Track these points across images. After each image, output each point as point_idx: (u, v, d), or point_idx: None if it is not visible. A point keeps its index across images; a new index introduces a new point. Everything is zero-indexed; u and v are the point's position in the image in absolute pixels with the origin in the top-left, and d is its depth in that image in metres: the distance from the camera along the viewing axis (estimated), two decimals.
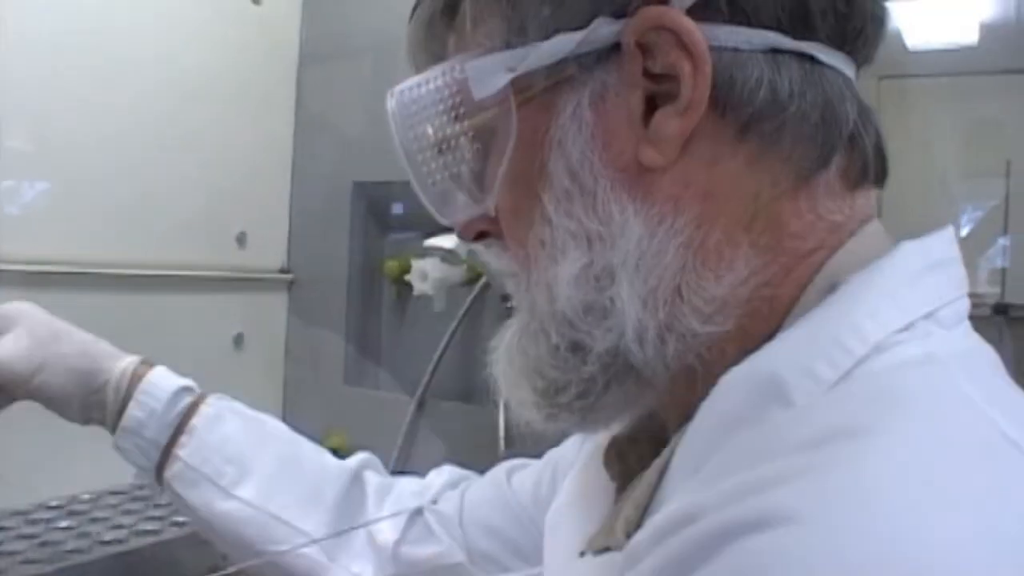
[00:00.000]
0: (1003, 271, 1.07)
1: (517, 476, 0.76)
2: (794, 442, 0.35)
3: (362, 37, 1.43)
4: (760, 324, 0.43)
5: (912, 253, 0.43)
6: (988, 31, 1.06)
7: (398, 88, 0.48)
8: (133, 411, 0.74)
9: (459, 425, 1.29)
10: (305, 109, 1.49)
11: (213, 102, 1.34)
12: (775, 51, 0.42)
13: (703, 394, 0.42)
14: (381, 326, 1.47)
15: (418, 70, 0.49)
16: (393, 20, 1.48)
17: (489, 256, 0.52)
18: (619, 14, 0.42)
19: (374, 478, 0.81)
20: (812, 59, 0.43)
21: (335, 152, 1.45)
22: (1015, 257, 1.06)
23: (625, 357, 0.44)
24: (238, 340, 1.40)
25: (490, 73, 0.44)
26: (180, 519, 0.97)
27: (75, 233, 1.16)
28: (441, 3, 0.49)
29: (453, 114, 0.47)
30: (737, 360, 0.41)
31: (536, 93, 0.44)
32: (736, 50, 0.41)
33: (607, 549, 0.45)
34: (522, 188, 0.46)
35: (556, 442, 0.76)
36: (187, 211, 1.30)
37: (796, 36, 0.42)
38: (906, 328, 0.39)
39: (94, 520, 0.97)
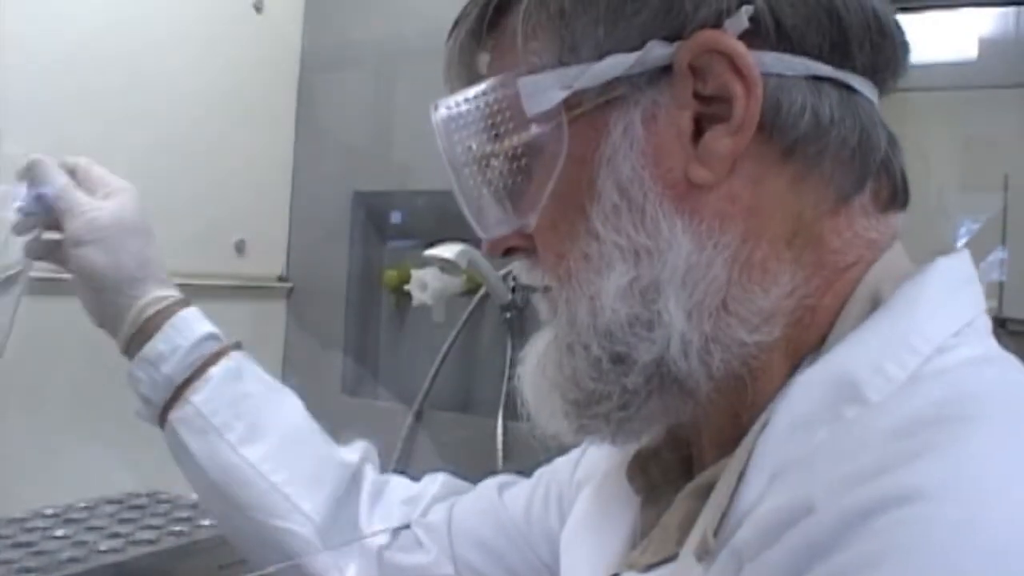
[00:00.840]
0: (1000, 285, 1.07)
1: (509, 492, 0.76)
2: (885, 432, 0.37)
3: (364, 47, 1.44)
4: (805, 333, 0.45)
5: (949, 268, 0.46)
6: (987, 46, 1.07)
7: (446, 100, 0.49)
8: (158, 343, 0.74)
9: (457, 436, 1.29)
10: (306, 118, 1.49)
11: (214, 110, 1.34)
12: (816, 78, 0.44)
13: (754, 400, 0.45)
14: (380, 336, 1.47)
15: (455, 87, 0.51)
16: (394, 31, 1.50)
17: (519, 270, 0.53)
18: (672, 37, 0.44)
19: (370, 474, 0.81)
20: (848, 87, 0.45)
21: (335, 161, 1.46)
22: (1012, 271, 1.06)
23: (669, 368, 0.45)
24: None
25: (543, 90, 0.46)
26: (178, 528, 0.97)
27: None
28: (487, 20, 0.50)
29: (502, 129, 0.48)
30: (785, 367, 0.45)
31: (586, 111, 0.46)
32: (781, 76, 0.44)
33: (656, 564, 0.46)
34: (566, 203, 0.47)
35: (553, 456, 0.76)
36: (186, 219, 1.30)
37: (834, 64, 0.45)
38: (957, 334, 0.43)
39: (91, 529, 0.96)
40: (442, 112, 0.49)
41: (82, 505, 1.04)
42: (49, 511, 1.01)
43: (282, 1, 1.45)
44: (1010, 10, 1.06)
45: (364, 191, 1.44)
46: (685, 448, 0.53)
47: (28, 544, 0.90)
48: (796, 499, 0.36)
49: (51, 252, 0.76)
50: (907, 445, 0.35)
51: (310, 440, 0.78)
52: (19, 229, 0.75)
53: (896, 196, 0.48)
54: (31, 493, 1.04)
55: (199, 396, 0.74)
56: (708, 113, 0.44)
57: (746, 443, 0.43)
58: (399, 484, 0.82)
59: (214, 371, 0.75)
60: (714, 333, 0.45)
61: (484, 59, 0.52)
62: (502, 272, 1.23)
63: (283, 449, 0.75)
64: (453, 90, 0.51)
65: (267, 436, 0.75)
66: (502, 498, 0.76)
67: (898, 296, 0.44)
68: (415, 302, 1.29)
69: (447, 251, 1.18)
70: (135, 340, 0.75)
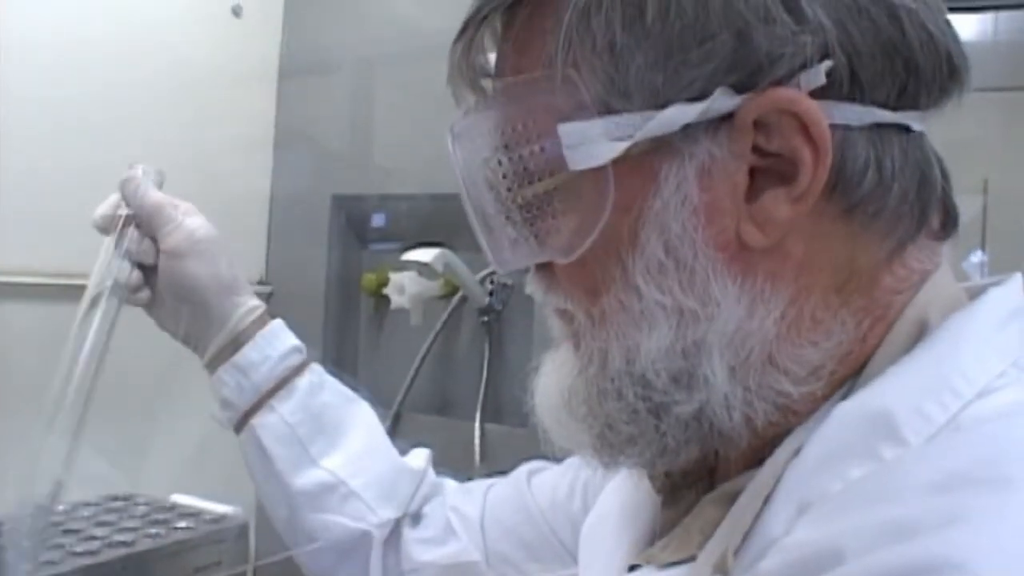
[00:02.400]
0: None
1: (537, 479, 0.77)
2: (922, 484, 0.35)
3: (342, 51, 1.44)
4: (848, 366, 0.43)
5: (998, 299, 0.44)
6: (965, 49, 1.08)
7: (465, 127, 0.46)
8: (250, 352, 0.76)
9: (435, 438, 1.28)
10: (285, 122, 1.50)
11: (192, 114, 1.34)
12: (878, 125, 0.41)
13: (786, 419, 0.43)
14: (359, 339, 1.48)
15: (461, 99, 0.47)
16: (373, 35, 1.51)
17: (531, 286, 0.50)
18: (741, 87, 0.40)
19: (430, 478, 0.83)
20: (907, 129, 0.42)
21: (314, 165, 1.46)
22: (992, 274, 1.07)
23: (710, 421, 0.43)
24: None
25: (589, 142, 0.41)
26: (154, 531, 0.97)
27: (51, 244, 1.16)
28: (512, 40, 0.45)
29: (534, 171, 0.44)
30: (824, 400, 0.43)
31: (632, 156, 0.41)
32: (847, 128, 0.41)
33: (675, 563, 0.45)
34: (601, 248, 0.43)
35: (531, 459, 0.77)
36: None
37: (898, 108, 0.42)
38: (1001, 375, 0.40)
39: (67, 532, 0.96)
40: (460, 141, 0.46)
41: (59, 508, 1.04)
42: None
43: (261, 5, 1.46)
44: (987, 15, 1.08)
45: (343, 195, 1.45)
46: (709, 452, 0.52)
47: (1, 548, 0.90)
48: (826, 541, 0.35)
49: (145, 268, 0.77)
50: (944, 504, 0.34)
51: (384, 449, 0.81)
52: (125, 248, 0.75)
53: (948, 225, 0.46)
54: (6, 496, 1.03)
55: (285, 406, 0.76)
56: (765, 167, 0.41)
57: (773, 465, 0.42)
58: (452, 486, 0.84)
59: (299, 383, 0.77)
60: (758, 388, 0.43)
61: (505, 64, 0.46)
62: (479, 276, 1.24)
63: (361, 457, 0.78)
64: (459, 99, 0.48)
65: (346, 445, 0.78)
66: (530, 486, 0.77)
67: (944, 330, 0.42)
68: (393, 305, 1.30)
69: (424, 255, 1.19)
70: (227, 347, 0.77)
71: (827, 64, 0.39)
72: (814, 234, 0.42)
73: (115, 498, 1.10)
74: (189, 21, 1.34)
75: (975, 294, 0.45)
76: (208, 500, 1.10)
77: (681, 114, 0.40)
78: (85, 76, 1.18)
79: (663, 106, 0.40)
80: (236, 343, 0.77)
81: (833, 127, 0.40)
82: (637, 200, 0.42)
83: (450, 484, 0.84)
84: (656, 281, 0.42)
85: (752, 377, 0.43)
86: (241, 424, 0.78)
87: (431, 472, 0.84)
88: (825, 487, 0.38)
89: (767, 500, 0.40)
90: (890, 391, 0.40)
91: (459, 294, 1.29)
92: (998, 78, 1.02)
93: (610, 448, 0.47)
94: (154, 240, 0.76)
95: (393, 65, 1.37)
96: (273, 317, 0.80)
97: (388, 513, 0.77)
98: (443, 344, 1.34)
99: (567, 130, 0.42)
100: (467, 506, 0.78)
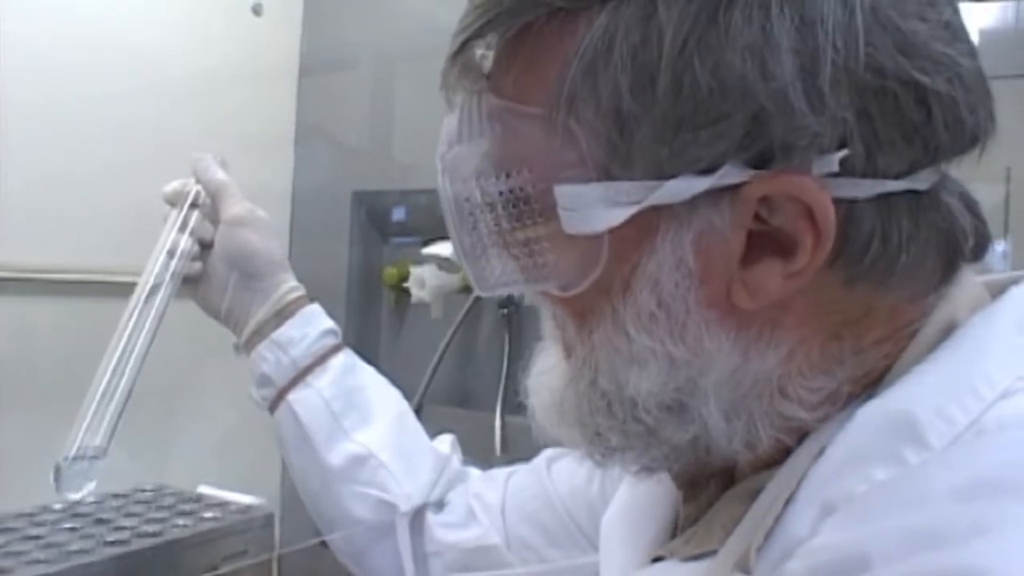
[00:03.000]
0: None
1: (556, 465, 0.78)
2: (946, 490, 0.35)
3: (361, 48, 1.46)
4: (871, 373, 0.42)
5: (1020, 299, 0.43)
6: (987, 37, 1.08)
7: (452, 153, 0.44)
8: (290, 329, 0.80)
9: (456, 430, 1.30)
10: (305, 120, 1.51)
11: (214, 112, 1.36)
12: (886, 195, 0.39)
13: (803, 423, 0.42)
14: (380, 332, 1.49)
15: (454, 105, 0.45)
16: (391, 32, 1.51)
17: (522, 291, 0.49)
18: (750, 162, 0.38)
19: (454, 464, 0.85)
20: (919, 192, 0.40)
21: (335, 162, 1.48)
22: (1017, 263, 1.07)
23: (707, 447, 0.43)
24: (238, 346, 1.42)
25: (585, 205, 0.40)
26: (181, 521, 0.99)
27: (75, 241, 1.18)
28: (517, 59, 0.42)
29: (526, 217, 0.42)
30: (846, 406, 0.42)
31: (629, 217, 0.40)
32: (852, 201, 0.39)
33: (697, 556, 0.45)
34: (592, 288, 0.42)
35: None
36: None
37: (908, 174, 0.39)
38: (1022, 376, 0.39)
39: (98, 522, 0.98)
40: (451, 161, 0.44)
41: (90, 499, 1.06)
42: (58, 505, 1.04)
43: (281, 3, 1.47)
44: (1009, 3, 1.07)
45: (363, 191, 1.46)
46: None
47: (38, 537, 0.92)
48: (852, 546, 0.35)
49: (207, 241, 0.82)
50: (969, 512, 0.34)
51: (412, 429, 0.84)
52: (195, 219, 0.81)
53: (978, 251, 0.44)
54: (39, 489, 1.06)
55: (321, 381, 0.79)
56: (765, 234, 0.40)
57: (795, 465, 0.41)
58: (475, 474, 0.86)
59: (334, 361, 0.81)
60: (764, 416, 0.42)
61: (505, 81, 0.44)
62: None
63: (391, 434, 0.81)
64: (451, 102, 0.46)
65: (377, 423, 0.81)
66: (550, 472, 0.78)
67: (966, 331, 0.42)
68: (414, 299, 1.31)
69: (445, 249, 1.20)
70: (267, 323, 0.80)
71: (842, 153, 0.38)
72: (816, 295, 0.41)
73: (144, 490, 1.12)
74: (210, 20, 1.36)
75: (995, 290, 0.45)
76: (233, 492, 1.12)
77: (686, 187, 0.39)
78: (109, 76, 1.20)
79: (667, 177, 0.39)
80: (278, 318, 0.81)
81: (838, 201, 0.38)
82: (632, 255, 0.41)
83: (474, 472, 0.86)
84: (647, 329, 0.42)
85: (756, 409, 0.42)
86: (277, 401, 0.81)
87: (456, 459, 0.85)
88: (849, 488, 0.38)
89: (789, 499, 0.40)
90: (913, 393, 0.40)
91: None
92: (1021, 66, 1.01)
93: (602, 452, 0.47)
94: (212, 223, 0.81)
95: (412, 61, 1.38)
96: (313, 299, 0.84)
97: (414, 488, 0.79)
98: (463, 337, 1.35)
99: (564, 192, 0.40)
100: (489, 492, 0.80)
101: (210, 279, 0.82)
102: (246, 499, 1.09)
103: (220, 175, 0.83)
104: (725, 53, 0.37)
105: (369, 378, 0.84)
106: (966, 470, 0.36)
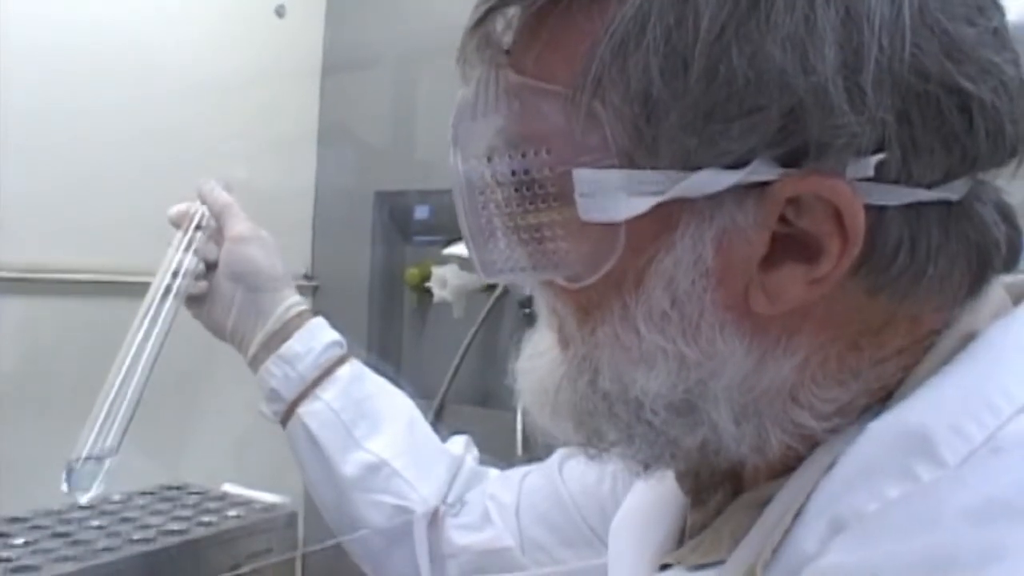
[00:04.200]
0: None
1: (568, 464, 0.78)
2: (959, 511, 0.34)
3: (383, 48, 1.46)
4: (887, 385, 0.40)
5: None
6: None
7: (467, 124, 0.42)
8: (295, 344, 0.81)
9: (477, 429, 1.30)
10: (328, 119, 1.52)
11: (238, 113, 1.37)
12: (917, 203, 0.37)
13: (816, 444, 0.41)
14: (402, 332, 1.50)
15: (470, 79, 0.43)
16: (414, 31, 1.51)
17: (519, 279, 0.48)
18: (781, 159, 0.36)
19: (470, 464, 0.85)
20: (951, 201, 0.38)
21: (357, 162, 1.49)
22: None
23: (715, 451, 0.42)
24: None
25: (604, 192, 0.38)
26: (206, 519, 1.00)
27: (101, 241, 1.19)
28: (540, 33, 0.40)
29: (540, 201, 0.40)
30: (858, 418, 0.40)
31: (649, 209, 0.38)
32: (882, 208, 0.37)
33: (704, 565, 0.44)
34: (602, 280, 0.40)
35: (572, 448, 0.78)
36: None
37: (941, 183, 0.38)
38: None
39: (124, 520, 1.00)
40: (463, 136, 0.42)
41: (116, 497, 1.08)
42: (84, 503, 1.05)
43: (303, 4, 1.48)
44: None
45: (386, 191, 1.46)
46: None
47: (65, 535, 0.94)
48: (861, 568, 0.34)
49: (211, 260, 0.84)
50: (982, 536, 0.32)
51: (423, 433, 0.84)
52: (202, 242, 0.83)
53: (1011, 261, 0.42)
54: (56, 488, 1.07)
55: (329, 394, 0.80)
56: (788, 236, 0.38)
57: (804, 478, 0.40)
58: (493, 475, 0.86)
59: (341, 372, 0.82)
60: (774, 422, 0.40)
61: (526, 57, 0.41)
62: None
63: (403, 441, 0.82)
64: (466, 76, 0.43)
65: (388, 430, 0.82)
66: (562, 472, 0.77)
67: (983, 341, 0.40)
68: (436, 299, 1.31)
69: (466, 248, 1.20)
70: (272, 340, 0.81)
71: (879, 157, 0.36)
72: (837, 302, 0.39)
73: (168, 488, 1.13)
74: (234, 23, 1.37)
75: (1016, 293, 0.43)
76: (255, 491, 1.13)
77: (713, 181, 0.37)
78: (134, 78, 1.21)
79: (693, 168, 0.37)
80: (282, 335, 0.81)
81: (868, 207, 0.36)
82: (648, 248, 0.39)
83: (492, 472, 0.86)
84: (659, 327, 0.40)
85: (767, 415, 0.40)
86: (287, 415, 0.82)
87: (471, 459, 0.85)
88: (860, 506, 0.36)
89: (798, 513, 0.38)
90: (926, 407, 0.38)
91: (500, 287, 1.30)
92: None
93: (597, 449, 0.45)
94: (217, 243, 0.83)
95: (434, 60, 1.38)
96: (317, 313, 0.84)
97: (429, 491, 0.79)
98: (485, 336, 1.35)
99: (583, 177, 0.38)
100: (504, 493, 0.80)
101: (215, 297, 0.83)
102: (270, 498, 1.10)
103: (224, 197, 0.85)
104: (764, 42, 0.35)
105: (377, 386, 0.84)
106: (981, 490, 0.34)
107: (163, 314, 0.80)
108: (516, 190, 0.41)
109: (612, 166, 0.38)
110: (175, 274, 0.81)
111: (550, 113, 0.39)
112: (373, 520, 0.80)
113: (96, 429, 0.76)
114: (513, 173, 0.40)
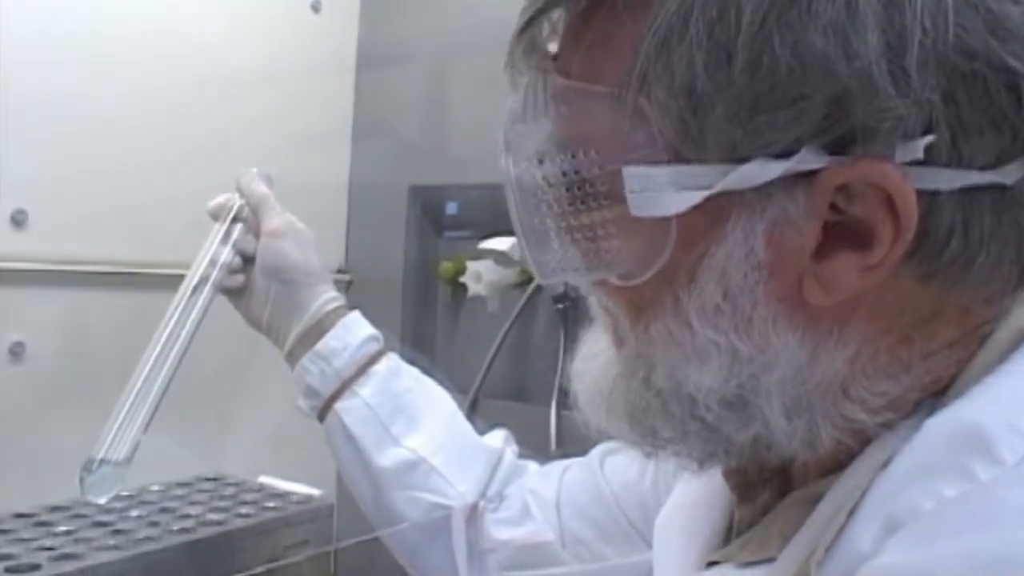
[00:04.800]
0: None
1: (610, 460, 0.78)
2: (1017, 509, 0.34)
3: (418, 43, 1.46)
4: (939, 380, 0.41)
5: None
6: None
7: (517, 129, 0.43)
8: (331, 340, 0.81)
9: (511, 423, 1.31)
10: (362, 114, 1.53)
11: (274, 108, 1.38)
12: (969, 188, 0.37)
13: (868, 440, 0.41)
14: (436, 326, 1.50)
15: (518, 86, 0.44)
16: (448, 26, 1.52)
17: (573, 278, 0.48)
18: (829, 147, 0.37)
19: (509, 458, 0.85)
20: (1006, 187, 0.38)
21: (392, 156, 1.49)
22: None
23: (767, 446, 0.42)
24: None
25: (654, 188, 0.38)
26: (244, 511, 1.01)
27: (143, 234, 1.21)
28: (585, 38, 0.41)
29: (591, 200, 0.41)
30: (912, 412, 0.40)
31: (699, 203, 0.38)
32: (934, 193, 0.37)
33: (753, 562, 0.44)
34: (656, 276, 0.41)
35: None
36: None
37: (993, 166, 0.37)
38: None
39: (163, 510, 1.01)
40: (514, 141, 0.43)
41: (155, 488, 1.09)
42: (125, 493, 1.07)
43: (338, 0, 1.49)
44: None
45: (420, 185, 1.47)
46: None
47: (106, 524, 0.95)
48: (918, 568, 0.34)
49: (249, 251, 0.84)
50: None
51: (461, 429, 0.85)
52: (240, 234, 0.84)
53: None
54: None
55: (366, 390, 0.80)
56: (840, 224, 0.38)
57: (857, 475, 0.40)
58: (532, 468, 0.86)
59: (378, 368, 0.82)
60: (826, 417, 0.40)
61: (572, 62, 0.42)
62: None
63: (441, 436, 0.82)
64: (515, 82, 0.44)
65: (425, 425, 0.82)
66: (603, 467, 0.78)
67: None
68: (470, 293, 1.32)
69: (501, 243, 1.20)
70: (308, 335, 0.82)
71: (927, 139, 0.36)
72: (889, 291, 0.39)
73: (205, 479, 1.15)
74: (270, 18, 1.38)
75: None
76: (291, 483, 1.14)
77: (761, 172, 0.37)
78: (171, 72, 1.22)
79: (740, 161, 0.37)
80: (318, 330, 0.81)
81: (920, 192, 0.36)
82: (699, 243, 0.40)
83: (531, 467, 0.85)
84: (712, 322, 0.40)
85: (818, 409, 0.40)
86: (324, 411, 0.82)
87: (511, 453, 0.85)
88: (916, 504, 0.36)
89: (852, 511, 0.38)
90: (984, 405, 0.38)
91: (535, 282, 1.30)
92: None
93: (652, 447, 0.46)
94: (255, 236, 0.83)
95: (469, 55, 1.38)
96: (352, 307, 0.85)
97: (467, 487, 0.80)
98: (519, 331, 1.35)
99: (633, 174, 0.39)
100: (544, 488, 0.80)
101: (252, 291, 0.84)
102: (307, 490, 1.11)
103: (262, 189, 0.85)
104: (807, 30, 0.35)
105: (415, 381, 0.84)
106: None
107: (195, 307, 0.80)
108: (567, 191, 0.41)
109: (660, 162, 0.38)
110: (212, 264, 0.81)
111: (597, 113, 0.40)
112: (410, 516, 0.80)
113: (114, 431, 0.76)
114: (564, 174, 0.41)
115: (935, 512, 0.35)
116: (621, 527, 0.74)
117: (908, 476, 0.38)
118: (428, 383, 0.86)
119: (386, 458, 0.80)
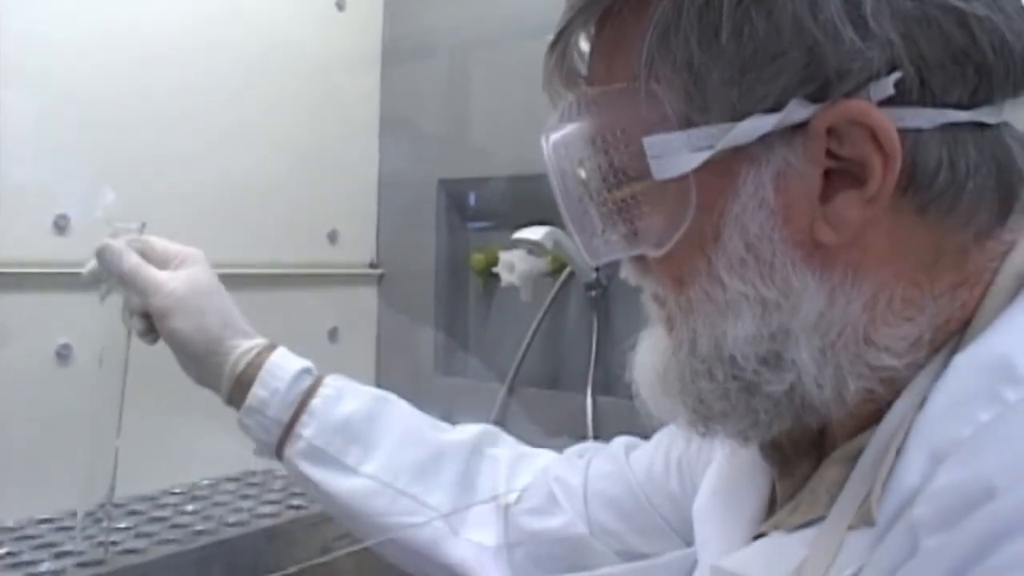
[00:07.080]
0: None
1: (634, 454, 0.78)
2: None
3: (442, 38, 1.48)
4: (952, 324, 0.45)
5: None
6: None
7: (558, 135, 0.49)
8: (258, 391, 0.78)
9: (548, 411, 1.33)
10: (389, 109, 1.54)
11: (301, 105, 1.40)
12: (952, 125, 0.43)
13: (893, 377, 0.45)
14: (469, 317, 1.52)
15: (558, 101, 0.51)
16: (471, 20, 1.53)
17: (625, 271, 0.53)
18: (813, 97, 0.42)
19: (505, 446, 0.85)
20: (984, 125, 0.43)
21: (420, 151, 1.50)
22: None
23: (802, 397, 0.46)
24: (333, 334, 1.46)
25: (672, 152, 0.44)
26: (296, 503, 1.04)
27: (174, 235, 1.23)
28: (601, 51, 0.49)
29: (622, 175, 0.47)
30: (929, 357, 0.45)
31: (712, 163, 0.44)
32: (919, 131, 0.42)
33: (804, 525, 0.47)
34: (686, 243, 0.46)
35: (643, 430, 0.79)
36: (280, 211, 1.37)
37: (972, 107, 0.43)
38: None
39: (216, 504, 1.04)
40: (555, 148, 0.49)
41: (205, 483, 1.12)
42: (176, 489, 1.10)
43: None
44: None
45: (448, 178, 1.48)
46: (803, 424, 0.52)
47: (163, 519, 0.98)
48: (973, 481, 0.37)
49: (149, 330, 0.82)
50: None
51: (420, 437, 0.82)
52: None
53: None
54: (151, 473, 1.10)
55: (308, 430, 0.78)
56: (839, 170, 0.43)
57: (897, 417, 0.43)
58: (543, 454, 0.85)
59: (315, 403, 0.79)
60: (852, 365, 0.45)
61: (596, 72, 0.50)
62: None
63: (398, 455, 0.79)
64: (554, 101, 0.51)
65: (380, 448, 0.79)
66: (629, 460, 0.78)
67: None
68: (503, 283, 1.33)
69: (534, 233, 1.21)
70: (236, 392, 0.79)
71: (895, 76, 0.41)
72: (892, 229, 0.44)
73: (254, 473, 1.17)
74: (296, 17, 1.40)
75: None
76: None
77: (758, 125, 0.43)
78: (201, 69, 1.24)
79: (740, 118, 0.43)
80: (242, 386, 0.79)
81: (904, 131, 0.42)
82: (718, 202, 0.45)
83: (542, 453, 0.85)
84: (739, 274, 0.45)
85: (845, 356, 0.45)
86: (280, 456, 0.80)
87: (504, 448, 0.84)
88: (956, 433, 0.40)
89: (900, 449, 0.42)
90: (1007, 337, 0.42)
91: (567, 270, 1.31)
92: None
93: (704, 420, 0.50)
94: (140, 315, 0.80)
95: (492, 49, 1.39)
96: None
97: (439, 499, 0.78)
98: (552, 319, 1.36)
99: (652, 142, 0.45)
100: (570, 476, 0.79)
101: (175, 355, 0.81)
102: None
103: (127, 264, 0.79)
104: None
105: (357, 399, 0.81)
106: None
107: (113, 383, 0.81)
108: (603, 180, 0.48)
109: (674, 129, 0.45)
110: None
111: (620, 106, 0.47)
112: (398, 539, 0.78)
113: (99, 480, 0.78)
114: (599, 167, 0.48)
115: (975, 436, 0.39)
116: (653, 520, 0.74)
117: (945, 409, 0.42)
118: (373, 395, 0.83)
119: (349, 492, 0.78)
